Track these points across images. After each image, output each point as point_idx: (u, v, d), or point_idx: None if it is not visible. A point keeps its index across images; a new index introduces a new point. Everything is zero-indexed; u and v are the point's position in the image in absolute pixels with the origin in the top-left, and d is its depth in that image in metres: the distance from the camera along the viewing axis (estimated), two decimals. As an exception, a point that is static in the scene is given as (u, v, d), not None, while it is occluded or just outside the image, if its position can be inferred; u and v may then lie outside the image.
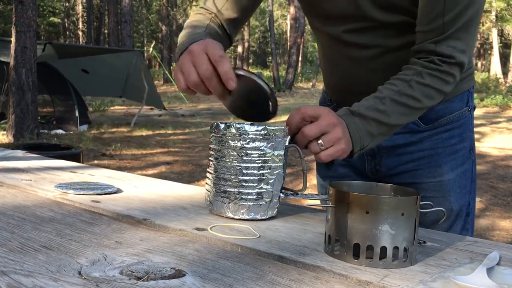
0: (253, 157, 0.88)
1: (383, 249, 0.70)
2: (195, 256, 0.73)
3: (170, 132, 9.91)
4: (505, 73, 26.06)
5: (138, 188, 1.19)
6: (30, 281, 0.61)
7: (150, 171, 6.01)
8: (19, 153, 1.67)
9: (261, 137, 0.88)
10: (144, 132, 9.71)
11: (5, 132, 8.16)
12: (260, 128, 0.89)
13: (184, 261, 0.70)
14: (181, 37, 1.05)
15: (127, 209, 0.96)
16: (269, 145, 0.89)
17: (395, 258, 0.70)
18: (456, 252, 0.79)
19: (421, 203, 0.75)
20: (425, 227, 0.95)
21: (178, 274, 0.65)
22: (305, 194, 0.91)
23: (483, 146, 7.94)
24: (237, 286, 0.62)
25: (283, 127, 0.92)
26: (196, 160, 6.79)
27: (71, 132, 9.24)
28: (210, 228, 0.85)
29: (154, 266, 0.67)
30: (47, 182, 1.20)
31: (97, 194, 1.08)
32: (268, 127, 0.89)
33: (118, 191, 1.13)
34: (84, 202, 1.01)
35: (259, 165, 0.89)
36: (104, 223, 0.89)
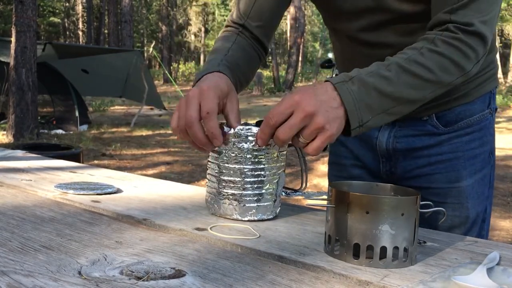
0: (258, 158, 0.88)
1: (383, 249, 0.70)
2: (195, 256, 0.73)
3: (170, 132, 9.90)
4: (505, 73, 26.05)
5: (138, 188, 1.18)
6: (30, 281, 0.61)
7: (150, 171, 6.01)
8: (19, 153, 1.67)
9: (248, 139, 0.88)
10: (144, 132, 9.71)
11: (5, 132, 8.16)
12: (248, 128, 0.88)
13: (184, 261, 0.70)
14: (206, 60, 1.05)
15: (127, 209, 0.96)
16: (273, 146, 0.89)
17: (395, 258, 0.70)
18: (456, 252, 0.79)
19: (421, 203, 0.74)
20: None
21: (178, 274, 0.65)
22: (306, 192, 0.91)
23: (483, 146, 7.93)
24: (237, 286, 0.62)
25: None
26: (196, 160, 6.79)
27: (71, 132, 9.24)
28: (210, 228, 0.85)
29: (154, 266, 0.67)
30: (47, 182, 1.20)
31: (97, 194, 1.08)
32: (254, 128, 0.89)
33: (118, 191, 1.13)
34: (84, 202, 1.01)
35: (265, 166, 0.89)
36: (104, 223, 0.89)
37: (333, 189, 0.75)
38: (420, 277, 0.67)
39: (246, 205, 0.90)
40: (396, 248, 0.70)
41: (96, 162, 6.44)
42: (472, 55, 0.88)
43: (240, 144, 0.88)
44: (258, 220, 0.91)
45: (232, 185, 0.90)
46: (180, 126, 0.87)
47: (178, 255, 0.73)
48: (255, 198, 0.90)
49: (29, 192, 1.11)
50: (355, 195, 0.72)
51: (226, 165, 0.90)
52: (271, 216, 0.92)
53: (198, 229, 0.85)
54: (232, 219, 0.91)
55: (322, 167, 6.25)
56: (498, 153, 7.54)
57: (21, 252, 0.72)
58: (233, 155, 0.89)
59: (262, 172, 0.89)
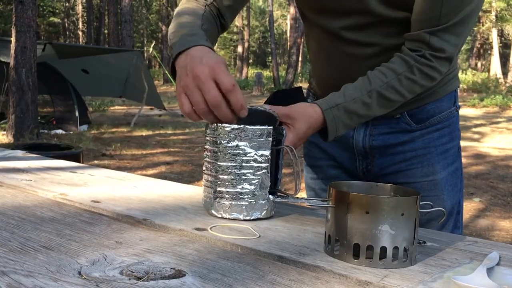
0: (232, 156, 0.88)
1: (383, 249, 0.70)
2: (195, 256, 0.73)
3: (170, 132, 9.91)
4: (505, 73, 26.04)
5: (138, 188, 1.19)
6: (30, 281, 0.61)
7: (150, 171, 6.01)
8: (19, 153, 1.67)
9: (240, 136, 0.88)
10: (144, 132, 9.71)
11: (5, 132, 8.16)
12: (240, 126, 0.88)
13: (184, 261, 0.70)
14: (175, 30, 0.98)
15: (127, 209, 0.96)
16: (250, 145, 0.88)
17: (395, 258, 0.70)
18: (456, 252, 0.79)
19: (421, 203, 0.74)
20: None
21: (178, 274, 0.65)
22: (297, 198, 0.89)
23: (483, 146, 7.94)
24: (237, 286, 0.62)
25: (265, 127, 0.89)
26: (196, 160, 6.79)
27: (71, 132, 9.24)
28: (210, 228, 0.85)
29: (154, 266, 0.67)
30: (47, 182, 1.20)
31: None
32: (247, 127, 0.88)
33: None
34: (84, 202, 1.01)
35: (240, 164, 0.88)
36: (104, 223, 0.89)
37: (333, 189, 0.75)
38: (420, 277, 0.67)
39: (221, 202, 0.90)
40: (396, 248, 0.70)
41: (96, 162, 6.44)
42: (438, 77, 1.04)
43: (213, 141, 0.89)
44: (233, 219, 0.90)
45: (208, 182, 0.92)
46: (201, 110, 0.86)
47: (178, 255, 0.73)
48: (227, 196, 0.90)
49: (29, 192, 1.11)
50: (355, 195, 0.72)
51: (205, 162, 0.93)
52: (248, 217, 0.90)
53: (198, 229, 0.85)
54: (212, 216, 0.92)
55: (322, 167, 6.24)
56: (498, 153, 7.52)
57: (21, 252, 0.72)
58: (210, 153, 0.91)
59: (236, 171, 0.88)
